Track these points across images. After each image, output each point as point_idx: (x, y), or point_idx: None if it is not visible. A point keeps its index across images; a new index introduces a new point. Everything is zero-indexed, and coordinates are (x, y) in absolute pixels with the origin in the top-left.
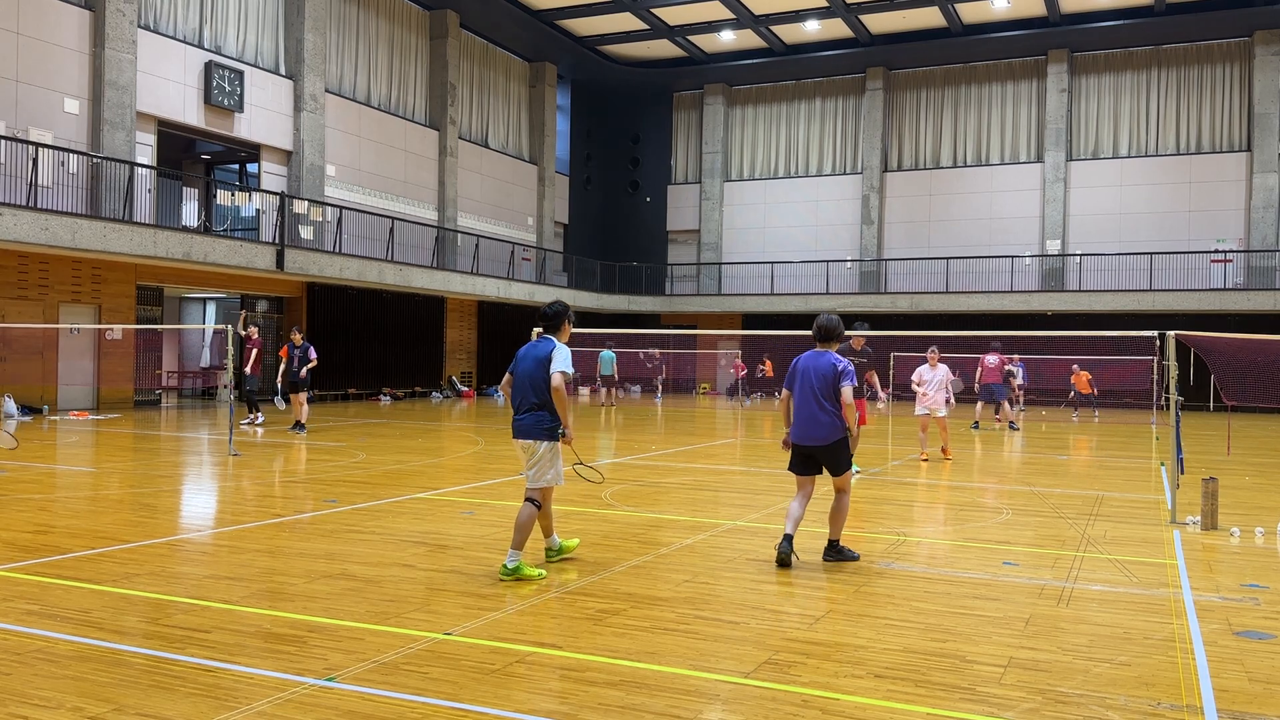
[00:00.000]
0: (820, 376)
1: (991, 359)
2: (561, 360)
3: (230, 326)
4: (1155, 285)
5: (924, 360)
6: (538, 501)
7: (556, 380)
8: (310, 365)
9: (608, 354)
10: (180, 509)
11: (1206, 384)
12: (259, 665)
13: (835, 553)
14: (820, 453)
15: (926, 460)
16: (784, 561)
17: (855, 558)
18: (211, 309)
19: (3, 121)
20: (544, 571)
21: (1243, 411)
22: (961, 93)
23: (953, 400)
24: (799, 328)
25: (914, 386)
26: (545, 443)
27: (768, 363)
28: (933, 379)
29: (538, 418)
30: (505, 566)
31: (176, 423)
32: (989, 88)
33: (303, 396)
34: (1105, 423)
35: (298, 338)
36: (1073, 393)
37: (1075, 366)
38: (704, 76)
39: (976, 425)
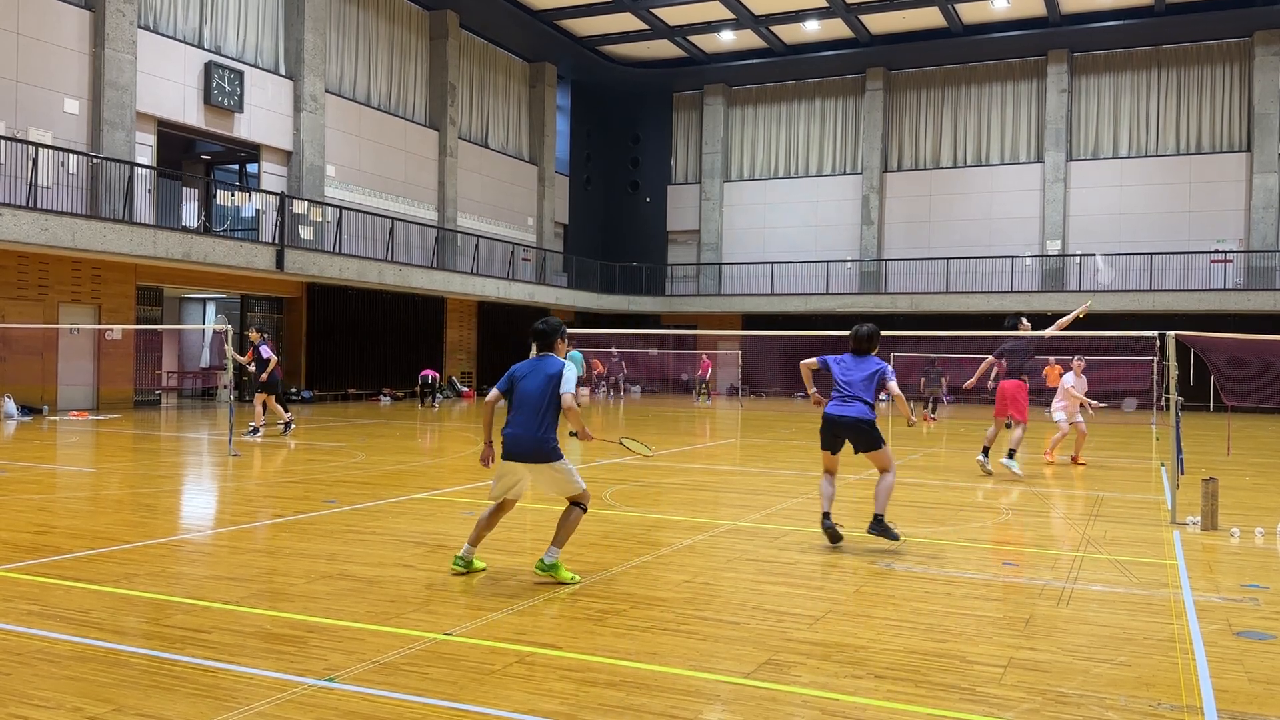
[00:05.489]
0: (866, 375)
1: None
2: (570, 382)
3: (229, 328)
4: (1155, 285)
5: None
6: (584, 505)
7: (568, 401)
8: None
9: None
10: (180, 509)
11: (1206, 384)
12: (259, 665)
13: (879, 528)
14: (850, 431)
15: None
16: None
17: (896, 538)
18: (211, 309)
19: (3, 121)
20: (578, 577)
21: (1243, 411)
22: (961, 93)
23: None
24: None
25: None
26: (556, 462)
27: (597, 363)
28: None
29: (541, 440)
30: (542, 561)
31: (176, 423)
32: (989, 88)
33: (263, 397)
34: (1108, 423)
35: (255, 336)
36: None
37: (1051, 359)
38: (704, 77)
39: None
